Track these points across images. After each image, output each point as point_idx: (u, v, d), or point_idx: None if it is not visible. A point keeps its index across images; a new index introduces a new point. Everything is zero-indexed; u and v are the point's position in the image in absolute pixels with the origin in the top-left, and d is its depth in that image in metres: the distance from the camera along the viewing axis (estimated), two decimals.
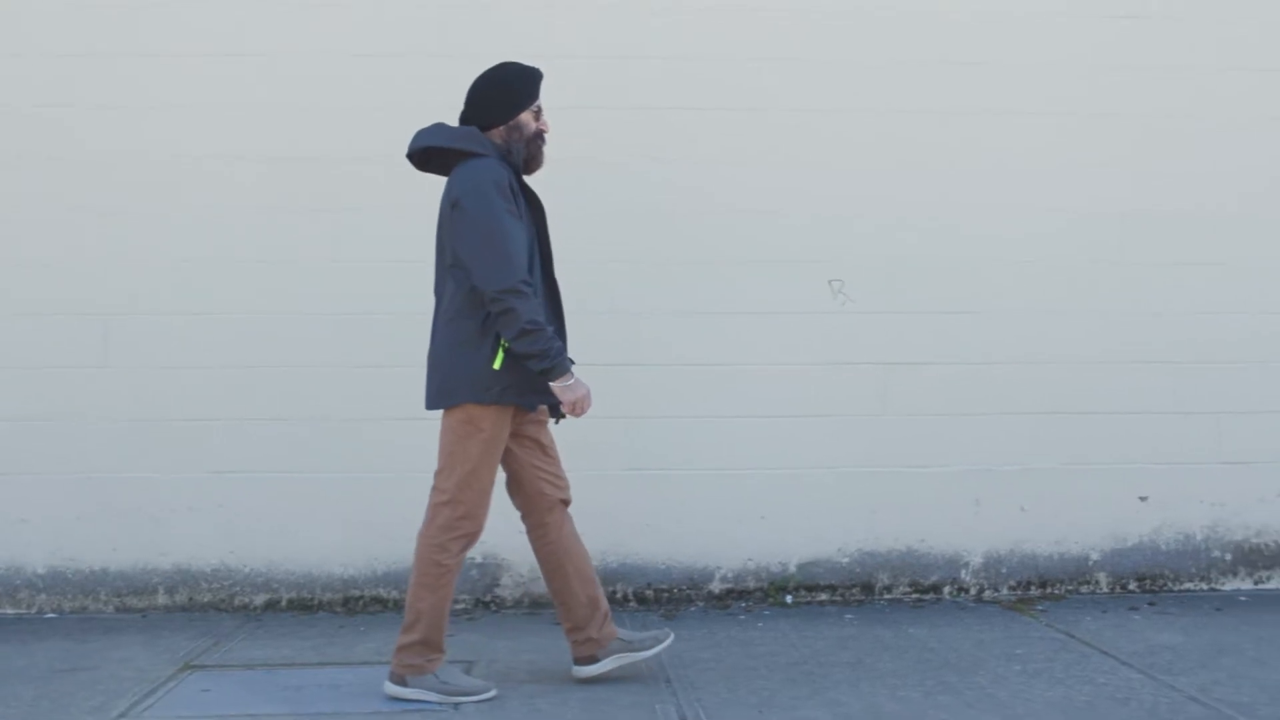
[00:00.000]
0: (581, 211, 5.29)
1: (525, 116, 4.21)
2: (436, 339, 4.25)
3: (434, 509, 4.20)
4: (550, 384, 4.09)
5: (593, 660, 4.35)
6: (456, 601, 5.49)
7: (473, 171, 4.07)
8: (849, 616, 5.37)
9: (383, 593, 5.52)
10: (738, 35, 5.62)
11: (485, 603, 5.55)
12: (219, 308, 5.49)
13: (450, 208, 4.10)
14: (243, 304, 5.49)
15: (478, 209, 4.01)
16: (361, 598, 5.53)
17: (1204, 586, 5.78)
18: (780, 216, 5.62)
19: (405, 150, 4.27)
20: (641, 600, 5.58)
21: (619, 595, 5.53)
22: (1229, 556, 5.79)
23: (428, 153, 4.23)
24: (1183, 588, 5.77)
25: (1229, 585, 5.79)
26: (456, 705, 4.14)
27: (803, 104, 5.63)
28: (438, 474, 4.22)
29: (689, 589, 5.62)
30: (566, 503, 4.39)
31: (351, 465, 5.49)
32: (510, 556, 5.52)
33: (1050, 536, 5.72)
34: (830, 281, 5.65)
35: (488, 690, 4.23)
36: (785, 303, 5.61)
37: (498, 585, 5.56)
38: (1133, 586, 5.75)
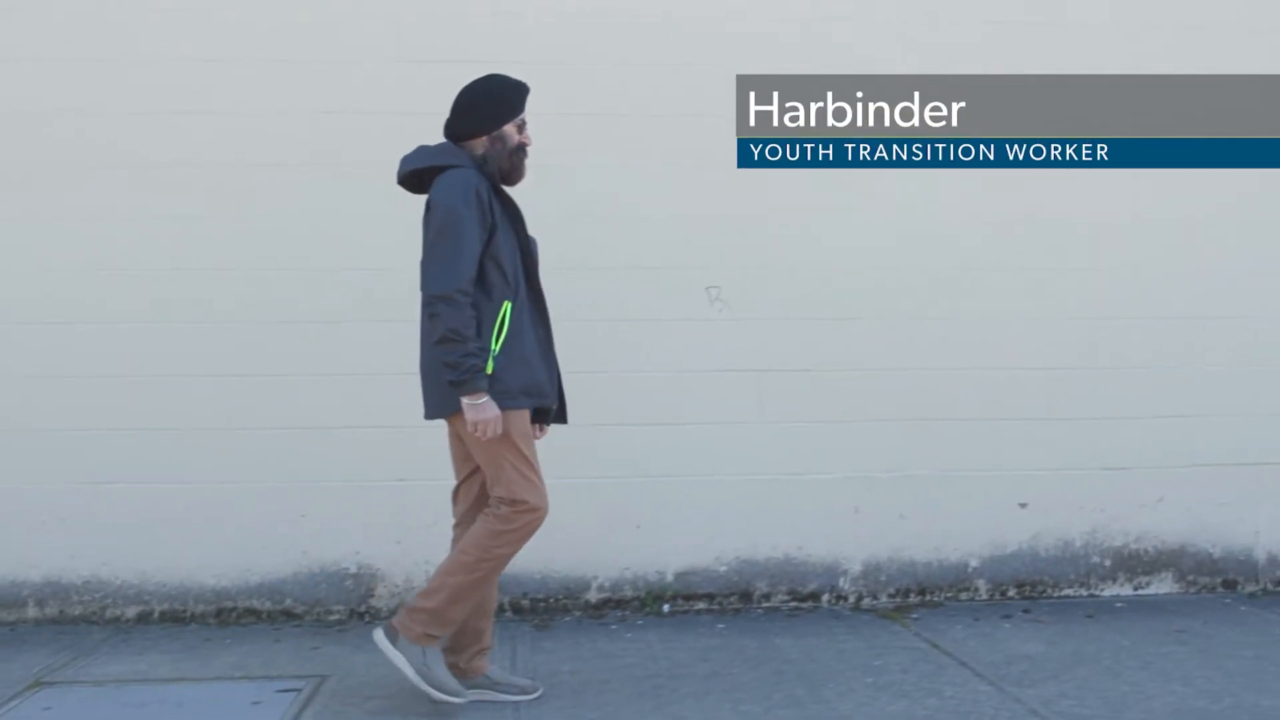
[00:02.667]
0: None
1: (509, 129, 4.27)
2: (425, 347, 4.23)
3: (495, 501, 4.19)
4: (461, 399, 4.05)
5: None
6: (329, 613, 5.51)
7: (448, 180, 4.15)
8: (720, 626, 5.36)
9: (256, 604, 5.49)
10: (610, 39, 5.59)
11: (360, 613, 5.52)
12: (90, 317, 5.42)
13: (425, 212, 4.18)
14: (114, 313, 5.42)
15: (441, 213, 4.09)
16: (235, 609, 5.49)
17: (1084, 593, 5.79)
18: (656, 222, 5.59)
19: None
20: (518, 610, 5.55)
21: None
22: (1109, 562, 5.80)
23: (417, 175, 4.27)
24: (1062, 594, 5.77)
25: (1109, 591, 5.80)
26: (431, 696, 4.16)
27: (675, 110, 5.59)
28: (489, 483, 4.21)
29: (565, 599, 5.59)
30: None
31: (225, 475, 5.45)
32: (386, 567, 5.51)
33: (929, 544, 5.72)
34: (708, 288, 5.63)
35: (461, 694, 4.20)
36: (661, 309, 5.58)
37: (372, 596, 5.53)
38: (1012, 593, 5.75)
